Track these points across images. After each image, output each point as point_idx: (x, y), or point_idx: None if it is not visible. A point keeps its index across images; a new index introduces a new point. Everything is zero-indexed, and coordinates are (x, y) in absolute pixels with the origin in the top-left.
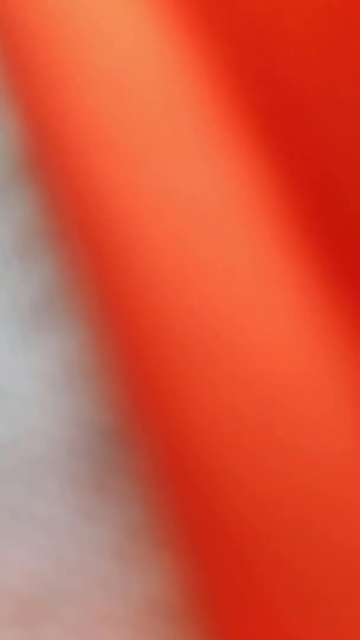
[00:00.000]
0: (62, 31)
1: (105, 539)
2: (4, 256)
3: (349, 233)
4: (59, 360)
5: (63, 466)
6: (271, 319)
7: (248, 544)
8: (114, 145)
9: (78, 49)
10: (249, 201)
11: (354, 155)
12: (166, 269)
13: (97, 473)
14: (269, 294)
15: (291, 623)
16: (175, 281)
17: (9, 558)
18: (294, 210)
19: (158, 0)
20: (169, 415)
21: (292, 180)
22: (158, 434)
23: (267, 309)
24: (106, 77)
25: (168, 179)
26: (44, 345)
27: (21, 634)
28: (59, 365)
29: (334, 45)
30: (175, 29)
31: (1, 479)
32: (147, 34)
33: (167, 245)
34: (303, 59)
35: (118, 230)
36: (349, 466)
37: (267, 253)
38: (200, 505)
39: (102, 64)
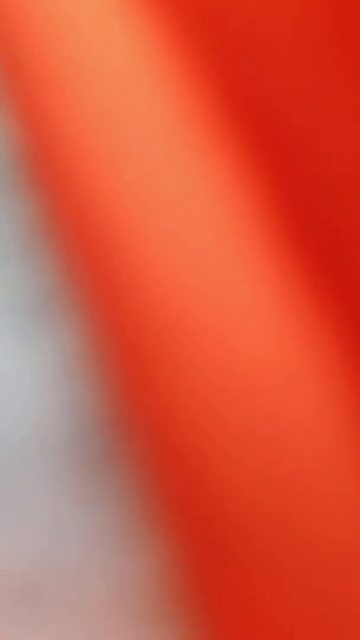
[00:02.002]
0: (62, 41)
1: (103, 524)
2: (4, 252)
3: (338, 243)
4: (57, 351)
5: (61, 453)
6: (261, 322)
7: (243, 528)
8: (111, 149)
9: (79, 55)
10: (241, 209)
11: (344, 166)
12: (161, 266)
13: (94, 460)
14: (260, 299)
15: (283, 609)
16: (170, 279)
17: (8, 541)
18: (285, 219)
19: (152, 15)
20: (164, 404)
21: (284, 191)
22: (154, 422)
23: (257, 311)
24: (105, 83)
25: (165, 183)
26: (43, 337)
27: (20, 615)
28: (58, 356)
29: (326, 56)
30: (168, 41)
31: (1, 465)
32: (142, 47)
33: (162, 244)
34: (295, 73)
35: (114, 229)
36: (333, 464)
37: (258, 259)
38: (196, 491)
39: (102, 69)
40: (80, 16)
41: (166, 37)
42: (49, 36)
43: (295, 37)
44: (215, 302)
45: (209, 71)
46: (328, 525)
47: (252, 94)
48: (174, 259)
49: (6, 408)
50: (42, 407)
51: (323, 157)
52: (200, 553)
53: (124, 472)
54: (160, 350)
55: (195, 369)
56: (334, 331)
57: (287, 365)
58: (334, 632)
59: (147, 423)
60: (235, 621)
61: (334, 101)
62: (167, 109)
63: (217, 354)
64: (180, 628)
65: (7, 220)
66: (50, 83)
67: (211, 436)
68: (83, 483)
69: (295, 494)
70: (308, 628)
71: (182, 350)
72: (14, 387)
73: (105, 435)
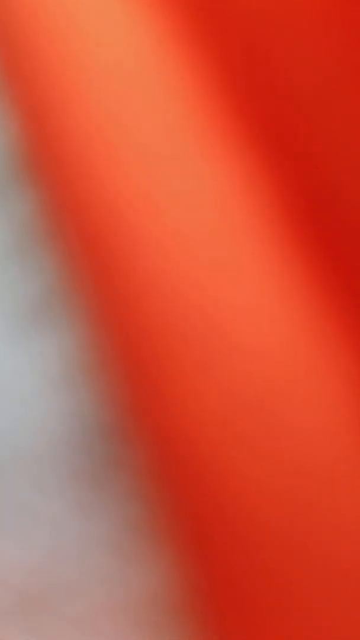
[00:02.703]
0: (64, 36)
1: (104, 534)
2: (4, 255)
3: (346, 238)
4: (58, 357)
5: (63, 462)
6: (269, 317)
7: (246, 538)
8: (112, 147)
9: (78, 53)
10: (248, 204)
11: (350, 158)
12: (164, 268)
13: (96, 468)
14: (267, 294)
15: (287, 616)
16: (173, 280)
17: (9, 552)
18: (293, 215)
19: (159, 8)
20: (167, 411)
21: (291, 185)
22: (156, 431)
23: (264, 308)
24: (105, 81)
25: (167, 180)
26: (44, 342)
27: (21, 626)
28: (59, 362)
29: (332, 48)
30: (174, 33)
31: (1, 473)
32: (148, 40)
33: (165, 245)
34: (301, 62)
35: (117, 229)
36: (335, 470)
37: (265, 256)
38: (199, 500)
39: (102, 67)
40: (81, 12)
41: (168, 30)
42: (51, 33)
43: (298, 29)
44: (222, 302)
45: (212, 64)
46: (348, 522)
47: (257, 86)
48: (178, 259)
49: (6, 414)
50: (43, 413)
51: (331, 148)
52: (202, 563)
53: (126, 481)
54: (163, 355)
55: (201, 374)
56: (341, 326)
57: (293, 368)
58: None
59: (150, 430)
60: (237, 632)
61: (345, 84)
62: (171, 105)
63: (224, 355)
64: (181, 639)
65: (8, 223)
66: (51, 80)
67: (215, 444)
68: (84, 492)
69: (312, 499)
70: (312, 637)
71: (187, 355)
72: (14, 393)
73: (109, 444)
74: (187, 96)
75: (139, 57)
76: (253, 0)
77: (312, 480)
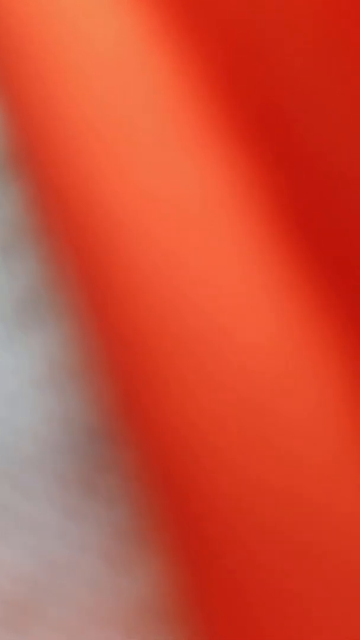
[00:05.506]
0: (50, 31)
1: (92, 539)
2: None
3: (334, 236)
4: (45, 359)
5: (50, 465)
6: (256, 321)
7: (235, 543)
8: (99, 145)
9: (65, 48)
10: (234, 203)
11: (345, 160)
12: (151, 268)
13: (84, 472)
14: (254, 296)
15: (277, 623)
16: (161, 281)
17: None
18: (280, 213)
19: (146, 3)
20: (156, 414)
21: (280, 185)
22: (145, 433)
23: (252, 310)
24: (93, 78)
25: (154, 178)
26: (30, 344)
27: (7, 634)
28: (46, 364)
29: (327, 44)
30: (163, 30)
31: None
32: (135, 36)
33: (152, 244)
34: (292, 60)
35: (104, 229)
36: (331, 467)
37: (252, 255)
38: (188, 504)
39: (89, 64)
40: (74, 5)
41: (163, 25)
42: (43, 27)
43: (295, 28)
44: (210, 304)
45: (207, 62)
46: (332, 534)
47: (250, 82)
48: (168, 256)
49: None
50: (29, 415)
51: (324, 144)
52: (194, 569)
53: (115, 485)
54: (152, 357)
55: (190, 376)
56: (333, 318)
57: (287, 362)
58: None
59: (140, 434)
60: (230, 637)
61: (333, 87)
62: (163, 99)
63: (212, 356)
64: None
65: None
66: (39, 78)
67: (208, 445)
68: (72, 496)
69: (297, 501)
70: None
71: (176, 357)
72: None
73: (97, 447)
74: (179, 93)
75: (131, 54)
76: None
77: (314, 482)
